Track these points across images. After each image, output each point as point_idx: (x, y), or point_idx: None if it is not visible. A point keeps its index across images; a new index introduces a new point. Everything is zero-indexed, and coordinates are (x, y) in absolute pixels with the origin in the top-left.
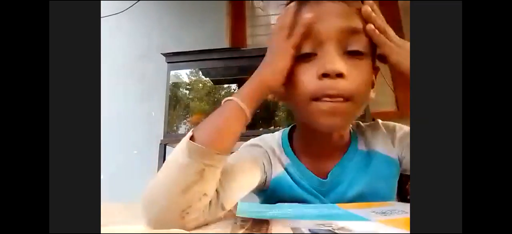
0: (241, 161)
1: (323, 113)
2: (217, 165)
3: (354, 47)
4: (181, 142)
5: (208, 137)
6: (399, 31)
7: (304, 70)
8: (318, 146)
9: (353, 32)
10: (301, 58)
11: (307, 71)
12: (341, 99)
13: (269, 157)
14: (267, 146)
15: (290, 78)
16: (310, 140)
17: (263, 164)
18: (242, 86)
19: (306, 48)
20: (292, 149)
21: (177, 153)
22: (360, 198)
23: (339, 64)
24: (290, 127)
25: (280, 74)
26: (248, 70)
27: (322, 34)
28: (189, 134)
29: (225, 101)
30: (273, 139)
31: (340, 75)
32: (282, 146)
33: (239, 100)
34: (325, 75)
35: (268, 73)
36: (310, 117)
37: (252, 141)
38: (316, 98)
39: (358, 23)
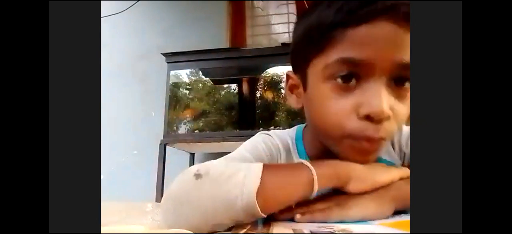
0: (259, 155)
1: (356, 152)
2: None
3: (404, 77)
4: (244, 177)
5: (272, 206)
6: None
7: (341, 100)
8: (331, 154)
9: (408, 66)
10: (338, 80)
11: (345, 103)
12: (381, 141)
13: (280, 154)
14: (281, 142)
15: (319, 100)
16: (323, 149)
17: (276, 160)
18: (324, 165)
19: (347, 72)
20: (305, 149)
21: (235, 195)
22: None
23: (386, 105)
24: (304, 125)
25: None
26: (248, 70)
27: (372, 65)
28: (256, 182)
29: (303, 169)
30: (288, 136)
31: (385, 118)
32: (296, 145)
33: (315, 178)
34: (368, 117)
35: (348, 170)
36: (339, 150)
37: (267, 132)
38: (352, 137)
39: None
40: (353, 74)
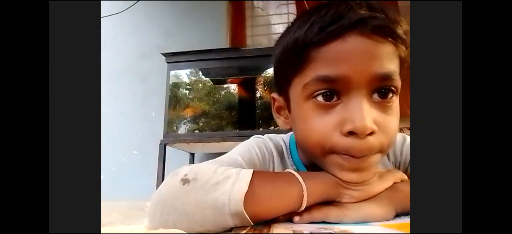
0: (252, 159)
1: (344, 168)
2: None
3: (387, 91)
4: (232, 184)
5: (260, 214)
6: None
7: (323, 118)
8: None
9: (388, 77)
10: (318, 98)
11: (328, 120)
12: (368, 155)
13: (274, 158)
14: (275, 146)
15: (302, 120)
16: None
17: (268, 164)
18: (316, 181)
19: (325, 89)
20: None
21: (222, 202)
22: None
23: (369, 120)
24: None
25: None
26: (248, 70)
27: (349, 81)
28: (244, 190)
29: (294, 182)
30: (282, 141)
31: (370, 133)
32: (290, 150)
33: (305, 193)
34: (352, 133)
35: (340, 186)
36: (326, 167)
37: (261, 136)
38: (336, 153)
39: (392, 64)
40: (332, 92)
